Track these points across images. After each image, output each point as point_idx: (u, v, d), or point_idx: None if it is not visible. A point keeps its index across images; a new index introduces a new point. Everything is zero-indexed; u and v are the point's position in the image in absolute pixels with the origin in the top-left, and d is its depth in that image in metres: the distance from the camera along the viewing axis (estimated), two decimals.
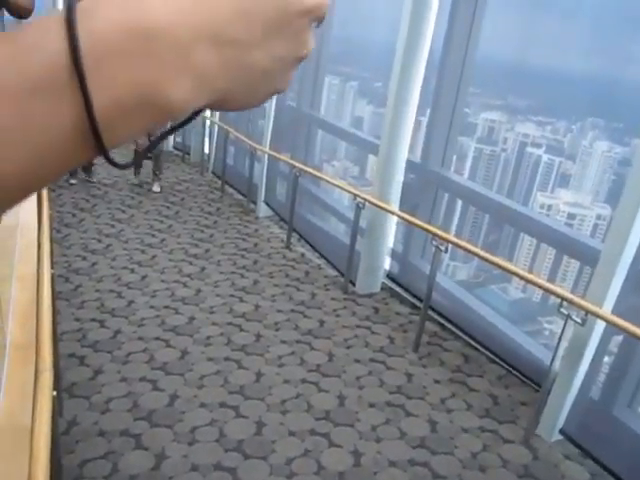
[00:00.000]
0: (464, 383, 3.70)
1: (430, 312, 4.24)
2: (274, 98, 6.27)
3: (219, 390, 3.41)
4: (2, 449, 1.77)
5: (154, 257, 5.21)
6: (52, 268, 2.77)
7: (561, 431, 3.26)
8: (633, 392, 3.25)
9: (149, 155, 6.81)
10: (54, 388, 1.81)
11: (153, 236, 5.68)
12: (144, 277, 4.78)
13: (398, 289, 4.79)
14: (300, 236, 5.91)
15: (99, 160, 0.36)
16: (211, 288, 4.68)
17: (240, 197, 7.23)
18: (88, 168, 7.18)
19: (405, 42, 4.18)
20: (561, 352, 3.10)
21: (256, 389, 3.45)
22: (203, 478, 2.76)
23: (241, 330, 4.08)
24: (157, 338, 3.88)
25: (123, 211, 6.32)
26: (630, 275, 2.91)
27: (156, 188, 7.06)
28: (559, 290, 3.10)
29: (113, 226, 5.89)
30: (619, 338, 3.30)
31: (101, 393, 3.28)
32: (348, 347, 3.99)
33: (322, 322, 4.29)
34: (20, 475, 1.47)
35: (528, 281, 3.45)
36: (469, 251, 3.75)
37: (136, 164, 7.02)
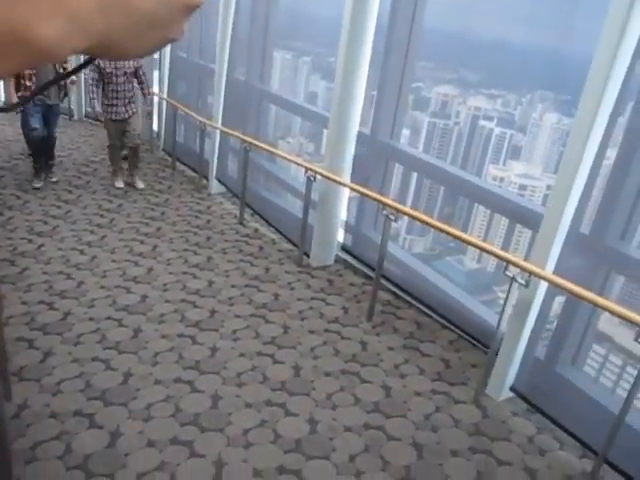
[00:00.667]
0: (417, 349, 3.79)
1: (384, 282, 4.31)
2: (223, 72, 6.16)
3: (174, 366, 3.39)
4: None
5: (104, 237, 5.09)
6: None
7: (512, 389, 3.39)
8: (575, 350, 3.40)
9: (125, 151, 6.51)
10: None
11: (102, 216, 5.55)
12: (94, 258, 4.68)
13: (352, 261, 4.84)
14: (254, 212, 5.88)
15: None
16: (164, 266, 4.62)
17: (192, 174, 7.12)
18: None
19: (351, 15, 4.16)
20: (507, 314, 3.21)
21: (211, 364, 3.45)
22: (159, 453, 2.75)
23: (195, 306, 4.06)
24: (109, 318, 3.82)
25: (70, 191, 6.14)
26: (569, 238, 3.02)
27: (140, 185, 6.50)
28: (504, 254, 3.19)
29: (60, 207, 5.72)
30: (562, 299, 3.43)
31: (52, 375, 3.22)
32: (303, 319, 4.02)
33: (277, 295, 4.31)
34: None
35: (476, 246, 3.54)
36: (417, 219, 3.82)
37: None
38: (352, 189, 4.38)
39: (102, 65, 5.70)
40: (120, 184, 6.44)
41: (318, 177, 4.54)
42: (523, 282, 3.01)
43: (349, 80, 4.31)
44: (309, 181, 4.53)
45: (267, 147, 5.43)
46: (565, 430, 3.15)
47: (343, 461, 2.82)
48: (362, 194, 4.24)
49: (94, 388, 3.15)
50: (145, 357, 3.45)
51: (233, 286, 4.39)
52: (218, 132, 6.34)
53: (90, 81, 5.89)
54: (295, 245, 5.07)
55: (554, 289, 3.16)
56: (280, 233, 5.44)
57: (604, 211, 3.10)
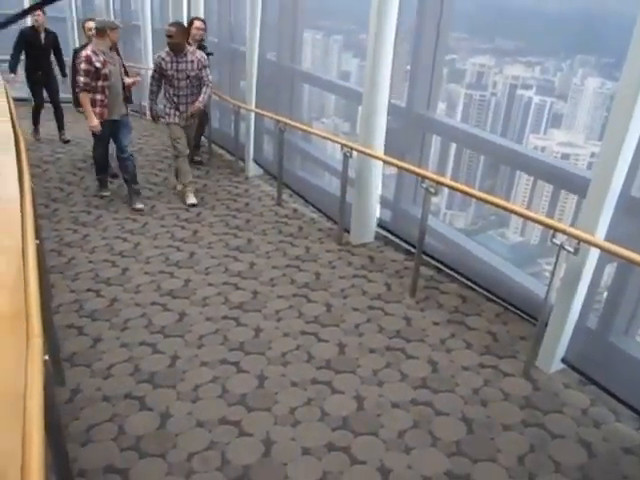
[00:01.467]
0: (463, 323, 3.72)
1: (426, 257, 4.23)
2: (254, 54, 6.12)
3: (219, 348, 3.42)
4: None
5: (145, 225, 5.17)
6: (37, 239, 2.73)
7: (563, 360, 3.29)
8: (629, 319, 3.27)
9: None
10: (46, 353, 1.80)
11: (143, 204, 5.62)
12: (137, 245, 4.75)
13: (392, 237, 4.77)
14: (293, 192, 5.87)
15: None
16: (205, 250, 4.66)
17: (229, 158, 7.14)
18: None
19: None
20: (556, 283, 3.10)
21: (256, 344, 3.46)
22: (209, 433, 2.79)
23: (237, 288, 4.08)
24: (154, 303, 3.88)
25: (111, 182, 6.24)
26: (620, 202, 2.88)
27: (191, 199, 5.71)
28: (550, 221, 3.08)
29: (102, 197, 5.83)
30: (612, 267, 3.30)
31: (102, 360, 3.30)
32: (345, 297, 4.00)
33: (318, 274, 4.29)
34: (17, 441, 1.46)
35: (521, 215, 3.42)
36: (458, 189, 3.72)
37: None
38: (389, 163, 4.30)
39: (163, 66, 5.34)
40: (192, 199, 5.66)
41: (354, 154, 4.47)
42: (572, 250, 2.90)
43: (379, 54, 4.22)
44: (345, 157, 4.48)
45: (301, 126, 5.39)
46: (620, 401, 3.04)
47: (392, 437, 2.80)
48: (400, 167, 4.16)
49: (143, 371, 3.20)
50: (191, 340, 3.49)
51: (274, 267, 4.39)
52: (252, 114, 6.32)
53: (151, 81, 5.54)
54: (335, 222, 5.03)
55: (605, 256, 3.03)
56: (320, 211, 5.42)
57: None
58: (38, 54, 7.21)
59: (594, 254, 2.99)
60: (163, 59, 5.37)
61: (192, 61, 5.38)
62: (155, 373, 3.19)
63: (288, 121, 5.34)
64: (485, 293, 3.98)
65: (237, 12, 7.35)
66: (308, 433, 2.81)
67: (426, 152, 4.60)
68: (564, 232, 2.91)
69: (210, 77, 5.54)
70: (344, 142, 4.54)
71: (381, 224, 4.86)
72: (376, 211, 4.80)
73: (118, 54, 5.61)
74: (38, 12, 6.83)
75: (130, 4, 10.18)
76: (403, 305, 3.90)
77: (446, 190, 4.56)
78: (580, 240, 2.83)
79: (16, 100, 6.11)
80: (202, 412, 2.92)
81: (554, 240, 2.94)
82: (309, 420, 2.88)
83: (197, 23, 6.15)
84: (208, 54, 5.88)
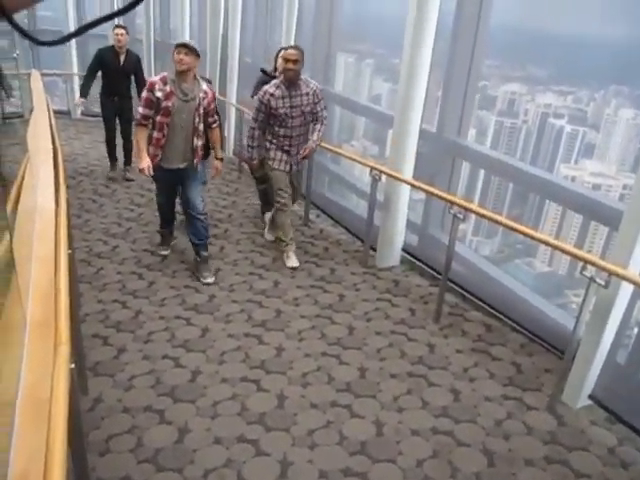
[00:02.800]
0: (486, 352, 3.66)
1: (451, 284, 4.20)
2: None
3: (240, 365, 3.42)
4: (24, 420, 1.80)
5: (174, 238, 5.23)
6: (69, 249, 2.79)
7: (591, 397, 3.21)
8: None
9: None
10: (72, 362, 1.82)
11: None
12: (163, 259, 4.81)
13: (418, 262, 4.74)
14: (322, 211, 5.91)
15: None
16: (230, 267, 4.69)
17: None
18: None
19: (415, 14, 4.09)
20: (585, 317, 3.04)
21: (277, 363, 3.46)
22: (226, 450, 2.78)
23: (261, 306, 4.09)
24: (178, 317, 3.91)
25: (142, 195, 6.35)
26: None
27: (293, 262, 4.78)
28: (581, 253, 3.03)
29: (132, 210, 5.94)
30: None
31: (124, 371, 3.33)
32: (368, 320, 3.97)
33: (342, 296, 4.28)
34: (41, 444, 1.48)
35: (549, 245, 3.37)
36: (486, 217, 3.69)
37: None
38: (418, 188, 4.29)
39: (273, 104, 4.36)
40: (294, 262, 4.75)
41: (383, 177, 4.49)
42: (602, 283, 2.84)
43: (412, 76, 4.24)
44: (374, 180, 4.49)
45: (330, 147, 5.43)
46: None
47: (410, 466, 2.75)
48: (428, 192, 4.15)
49: (164, 385, 3.22)
50: (212, 355, 3.50)
51: (299, 287, 4.40)
52: None
53: (252, 124, 4.56)
54: (362, 241, 5.02)
55: (637, 291, 2.97)
56: (348, 231, 5.45)
57: None
58: (115, 77, 6.37)
59: (626, 288, 2.93)
60: (272, 95, 4.35)
61: (307, 93, 4.45)
62: (176, 387, 3.20)
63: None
64: (510, 323, 3.92)
65: (272, 32, 7.49)
66: (325, 456, 2.78)
67: (455, 178, 4.59)
68: (595, 264, 2.86)
69: (326, 111, 4.65)
70: (373, 165, 4.56)
71: (407, 249, 4.85)
72: (402, 235, 4.79)
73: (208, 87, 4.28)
74: (121, 30, 6.26)
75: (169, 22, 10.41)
76: (427, 331, 3.86)
77: (473, 217, 4.53)
78: (611, 273, 2.78)
79: (56, 112, 6.28)
80: (220, 429, 2.91)
81: (584, 272, 2.89)
82: (327, 443, 2.86)
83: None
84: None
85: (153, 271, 4.58)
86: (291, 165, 4.64)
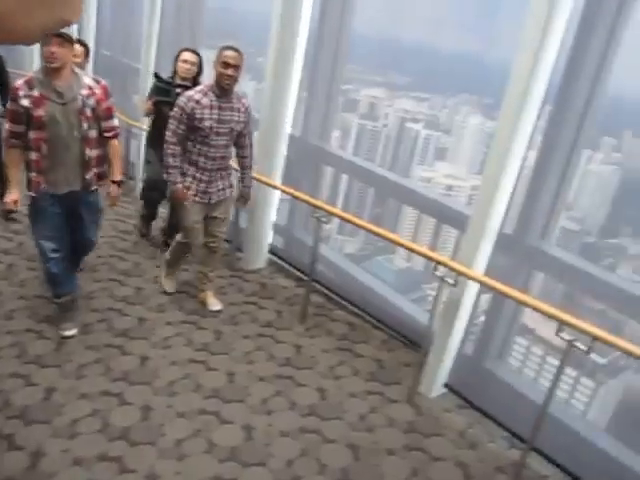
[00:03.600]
0: (351, 350, 3.81)
1: (316, 285, 4.31)
2: (148, 73, 5.97)
3: (100, 379, 3.24)
4: None
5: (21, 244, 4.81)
6: None
7: (446, 385, 3.48)
8: (501, 346, 3.53)
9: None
10: None
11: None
12: (10, 265, 4.41)
13: (284, 263, 4.81)
14: None
15: None
16: (89, 273, 4.41)
17: None
18: None
19: (280, 14, 4.12)
20: (438, 313, 3.29)
21: (141, 374, 3.32)
22: (87, 472, 2.62)
23: (122, 315, 3.90)
24: (29, 330, 3.61)
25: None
26: (499, 238, 3.13)
27: (215, 305, 4.11)
28: (432, 254, 3.27)
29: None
30: (488, 296, 3.56)
31: None
32: (236, 324, 3.95)
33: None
34: None
35: (405, 247, 3.60)
36: (348, 221, 3.84)
37: None
38: (283, 191, 4.35)
39: (198, 114, 3.51)
40: (172, 288, 4.25)
41: None
42: (452, 282, 3.09)
43: (280, 80, 4.26)
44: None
45: None
46: (496, 422, 3.27)
47: (280, 467, 2.80)
48: (293, 196, 4.23)
49: (13, 407, 2.95)
50: (69, 370, 3.27)
51: (163, 293, 4.25)
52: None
53: (170, 137, 3.59)
54: (229, 242, 4.97)
55: (482, 289, 3.26)
56: None
57: (526, 211, 3.23)
58: None
59: (472, 286, 3.21)
60: (198, 102, 3.50)
61: (239, 109, 3.65)
62: (27, 407, 2.95)
63: None
64: (372, 321, 4.12)
65: (132, 23, 7.16)
66: (195, 466, 2.73)
67: (319, 181, 4.72)
68: (445, 265, 3.10)
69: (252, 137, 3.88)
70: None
71: (273, 250, 4.89)
72: (269, 237, 4.83)
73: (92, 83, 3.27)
74: None
75: None
76: (293, 332, 3.93)
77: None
78: (459, 273, 3.03)
79: None
80: (80, 449, 2.74)
81: (436, 272, 3.13)
82: (196, 453, 2.81)
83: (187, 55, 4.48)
84: None
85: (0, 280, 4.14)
86: (211, 195, 3.75)
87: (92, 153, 3.25)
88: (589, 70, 2.98)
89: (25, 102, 3.03)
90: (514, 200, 3.14)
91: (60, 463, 2.65)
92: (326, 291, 4.41)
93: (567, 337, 2.69)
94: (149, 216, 5.00)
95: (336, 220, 5.51)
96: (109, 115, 3.30)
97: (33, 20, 0.37)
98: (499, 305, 3.45)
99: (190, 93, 3.56)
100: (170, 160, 3.63)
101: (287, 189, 4.25)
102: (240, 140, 3.77)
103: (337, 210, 3.89)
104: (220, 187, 3.79)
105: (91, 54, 6.77)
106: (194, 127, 3.54)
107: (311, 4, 4.16)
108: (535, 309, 2.82)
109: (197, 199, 3.71)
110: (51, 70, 3.05)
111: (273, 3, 4.15)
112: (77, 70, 3.21)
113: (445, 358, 3.38)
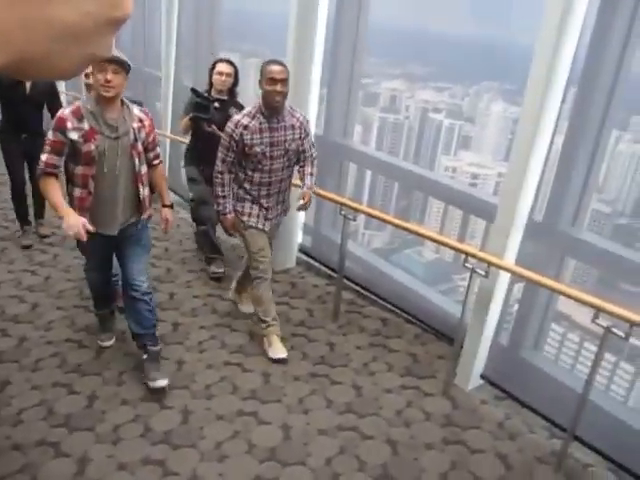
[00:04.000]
0: (384, 346, 3.81)
1: (347, 282, 4.32)
2: (170, 78, 6.06)
3: (139, 385, 3.30)
4: None
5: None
6: None
7: (483, 377, 3.46)
8: (536, 335, 3.48)
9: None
10: None
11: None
12: (47, 278, 4.52)
13: (313, 262, 4.83)
14: None
15: None
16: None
17: None
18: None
19: (297, 14, 4.13)
20: (470, 305, 3.26)
21: (179, 378, 3.38)
22: (132, 476, 2.68)
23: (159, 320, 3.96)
24: (68, 340, 3.70)
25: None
26: (529, 226, 3.09)
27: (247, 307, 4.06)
28: (462, 246, 3.25)
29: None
30: (522, 285, 3.51)
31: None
32: None
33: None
34: None
35: (434, 240, 3.58)
36: (375, 217, 3.84)
37: None
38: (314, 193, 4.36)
39: (247, 140, 3.24)
40: (281, 353, 3.63)
41: None
42: (483, 273, 3.07)
43: (300, 80, 4.26)
44: None
45: None
46: (534, 411, 3.24)
47: (319, 465, 2.82)
48: (320, 195, 4.24)
49: (57, 415, 3.04)
50: (109, 377, 3.35)
51: (195, 296, 4.32)
52: (167, 141, 6.24)
53: (220, 166, 3.36)
54: None
55: (514, 278, 3.23)
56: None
57: (555, 197, 3.18)
58: (20, 109, 4.57)
59: (504, 276, 3.18)
60: (246, 127, 3.23)
61: (293, 126, 3.35)
62: (70, 415, 3.04)
63: None
64: (404, 315, 4.11)
65: (151, 30, 7.25)
66: (235, 467, 2.77)
67: (344, 178, 4.72)
68: (474, 256, 3.08)
69: (315, 150, 3.56)
70: None
71: (302, 249, 4.92)
72: (298, 237, 4.85)
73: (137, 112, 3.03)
74: None
75: None
76: (326, 331, 3.95)
77: None
78: (490, 264, 3.01)
79: None
80: (124, 454, 2.81)
81: (466, 264, 3.10)
82: (236, 454, 2.85)
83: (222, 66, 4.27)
84: (240, 107, 4.13)
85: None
86: (271, 221, 3.53)
87: (145, 191, 3.05)
88: (614, 49, 2.91)
89: (74, 135, 2.79)
90: (543, 186, 3.09)
91: (106, 468, 2.72)
92: (357, 287, 4.41)
93: (604, 324, 2.65)
94: (204, 233, 4.66)
95: (362, 216, 5.51)
96: (155, 145, 3.14)
97: (68, 59, 0.39)
98: (532, 294, 3.40)
99: (237, 118, 3.27)
100: (219, 190, 3.38)
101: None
102: (302, 155, 3.47)
103: (363, 207, 3.89)
104: (279, 211, 3.57)
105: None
106: (245, 154, 3.28)
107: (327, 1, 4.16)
108: (569, 296, 2.77)
109: (259, 226, 3.46)
110: (104, 100, 2.81)
111: (290, 2, 4.16)
112: (126, 100, 2.94)
113: (480, 350, 3.35)
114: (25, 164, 4.85)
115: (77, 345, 3.66)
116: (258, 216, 3.45)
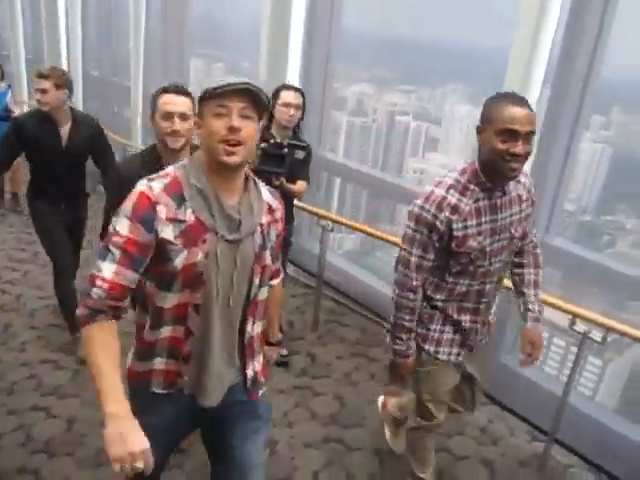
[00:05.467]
0: (365, 355, 3.83)
1: (326, 291, 4.32)
2: (139, 85, 5.95)
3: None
4: None
5: None
6: None
7: None
8: (514, 339, 3.55)
9: None
10: None
11: None
12: (18, 296, 4.40)
13: (291, 272, 4.83)
14: None
15: None
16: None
17: None
18: None
19: (269, 20, 4.12)
20: None
21: None
22: None
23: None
24: (44, 361, 3.60)
25: None
26: None
27: None
28: None
29: None
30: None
31: None
32: None
33: None
34: None
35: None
36: (353, 227, 3.86)
37: None
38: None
39: (459, 231, 1.97)
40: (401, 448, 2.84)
41: None
42: None
43: (273, 85, 4.24)
44: None
45: None
46: (516, 415, 3.31)
47: (307, 479, 2.81)
48: (299, 208, 4.24)
49: (36, 441, 2.96)
50: (88, 399, 3.27)
51: None
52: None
53: (402, 276, 2.08)
54: None
55: None
56: None
57: None
58: (55, 167, 3.42)
59: None
60: (456, 209, 1.97)
61: (520, 198, 2.09)
62: (50, 440, 2.96)
63: None
64: (382, 322, 4.14)
65: (119, 39, 7.13)
66: None
67: (319, 187, 4.73)
68: None
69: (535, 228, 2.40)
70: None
71: None
72: None
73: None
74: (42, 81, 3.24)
75: None
76: (307, 342, 3.95)
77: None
78: None
79: None
80: (107, 477, 2.74)
81: None
82: None
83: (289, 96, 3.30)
84: (303, 147, 3.26)
85: None
86: (471, 348, 2.27)
87: (256, 329, 1.74)
88: (585, 52, 2.95)
89: (167, 233, 1.49)
90: None
91: None
92: (335, 296, 4.42)
93: (581, 329, 2.71)
94: None
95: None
96: (279, 252, 1.84)
97: None
98: (508, 299, 3.46)
99: (439, 193, 1.98)
100: (406, 318, 2.10)
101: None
102: (523, 241, 2.23)
103: (344, 219, 3.91)
104: (484, 333, 2.28)
105: (79, 76, 6.72)
106: (449, 253, 2.02)
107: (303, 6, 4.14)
108: (545, 303, 2.83)
109: (451, 358, 2.23)
110: (224, 169, 1.52)
111: (262, 7, 4.14)
112: (250, 173, 1.66)
113: None
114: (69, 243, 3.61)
115: (53, 366, 3.57)
116: (451, 343, 2.21)
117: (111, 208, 2.04)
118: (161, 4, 5.96)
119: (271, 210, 1.70)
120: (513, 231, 2.08)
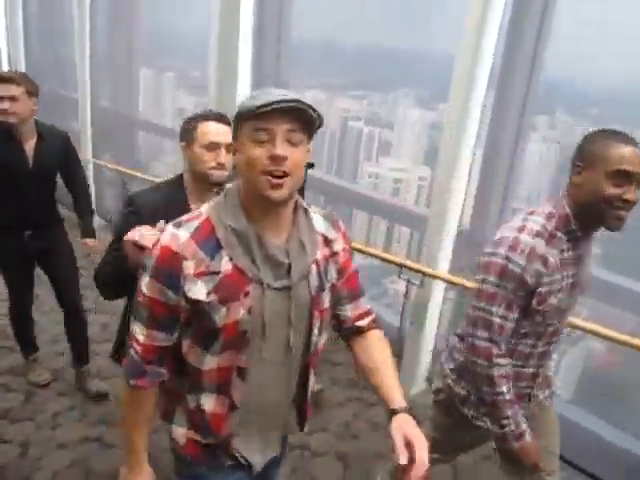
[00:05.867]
0: (328, 360, 3.83)
1: None
2: (87, 97, 5.83)
3: (77, 425, 3.15)
4: None
5: None
6: None
7: (428, 379, 3.57)
8: None
9: None
10: None
11: None
12: None
13: None
14: None
15: None
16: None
17: None
18: None
19: (218, 28, 4.09)
20: (408, 313, 3.35)
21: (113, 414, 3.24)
22: None
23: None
24: None
25: None
26: (459, 234, 3.21)
27: None
28: (396, 258, 3.33)
29: None
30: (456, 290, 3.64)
31: None
32: None
33: None
34: None
35: (367, 253, 3.64)
36: None
37: None
38: None
39: (544, 286, 1.65)
40: None
41: None
42: (418, 282, 3.16)
43: (222, 94, 4.20)
44: None
45: (142, 175, 5.23)
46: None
47: None
48: None
49: None
50: (42, 421, 3.17)
51: None
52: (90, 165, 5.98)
53: (488, 339, 1.69)
54: None
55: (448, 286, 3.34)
56: None
57: (479, 205, 3.33)
58: (18, 190, 2.88)
59: (439, 284, 3.28)
60: (545, 261, 1.63)
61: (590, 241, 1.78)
62: (3, 466, 2.84)
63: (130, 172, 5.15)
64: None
65: (63, 48, 6.95)
66: None
67: None
68: (409, 267, 3.17)
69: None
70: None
71: None
72: None
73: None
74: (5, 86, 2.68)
75: None
76: None
77: None
78: (424, 274, 3.10)
79: None
80: None
81: (401, 276, 3.19)
82: None
83: None
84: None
85: None
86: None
87: (313, 381, 1.52)
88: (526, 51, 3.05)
89: (199, 293, 1.22)
90: (470, 195, 3.23)
91: None
92: None
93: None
94: None
95: None
96: (357, 288, 1.53)
97: None
98: (463, 298, 3.54)
99: (526, 241, 1.64)
100: (504, 390, 1.73)
101: None
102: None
103: None
104: (546, 394, 1.96)
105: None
106: (525, 312, 1.71)
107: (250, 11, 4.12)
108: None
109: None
110: (264, 204, 1.22)
111: (211, 15, 4.11)
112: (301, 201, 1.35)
113: (422, 355, 3.44)
114: (34, 274, 3.20)
115: (4, 389, 3.43)
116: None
117: (114, 242, 1.87)
118: (108, 15, 5.85)
119: (327, 242, 1.38)
120: (584, 282, 1.81)
